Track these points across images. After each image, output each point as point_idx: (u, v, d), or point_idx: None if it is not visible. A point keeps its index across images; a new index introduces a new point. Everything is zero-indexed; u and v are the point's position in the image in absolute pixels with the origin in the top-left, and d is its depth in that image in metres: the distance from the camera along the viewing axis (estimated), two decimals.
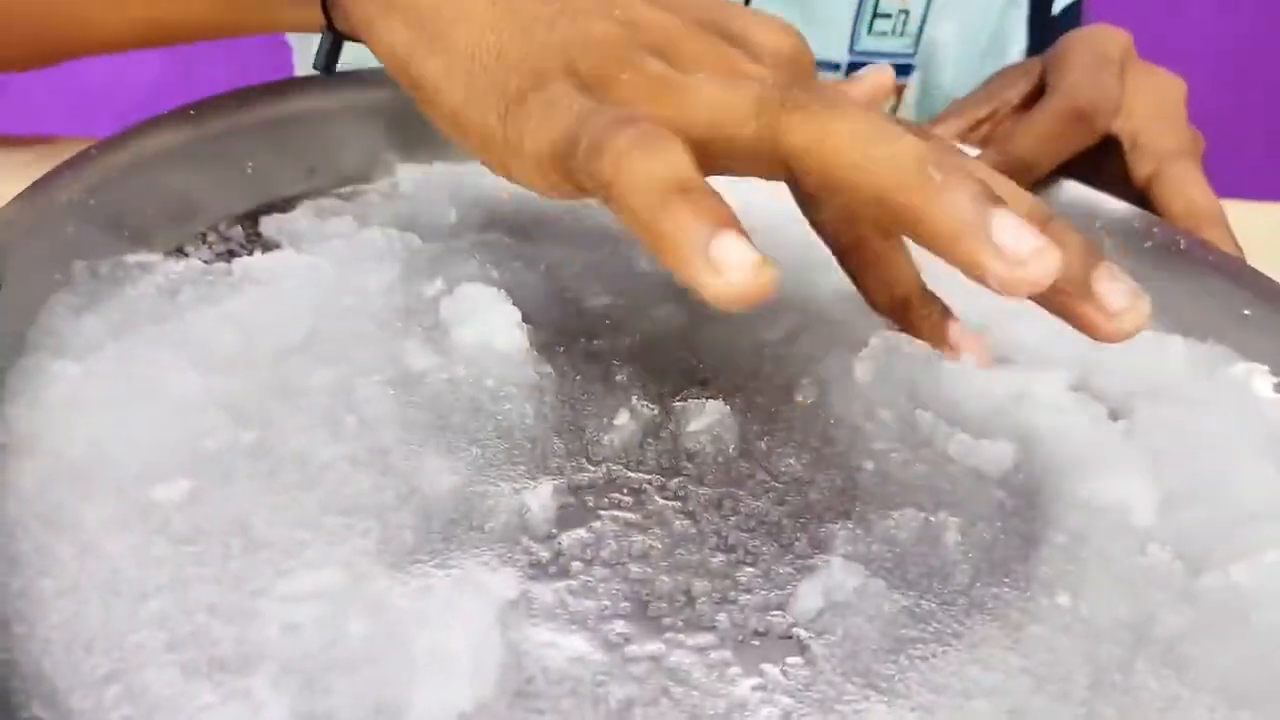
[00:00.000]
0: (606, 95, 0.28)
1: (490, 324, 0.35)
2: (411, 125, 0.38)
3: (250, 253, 0.37)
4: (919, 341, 0.38)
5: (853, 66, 0.62)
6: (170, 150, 0.38)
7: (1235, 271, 0.41)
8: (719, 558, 0.30)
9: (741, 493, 0.32)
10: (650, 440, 0.33)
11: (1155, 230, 0.43)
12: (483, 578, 0.27)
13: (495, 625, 0.26)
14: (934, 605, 0.29)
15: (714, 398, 0.34)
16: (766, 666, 0.27)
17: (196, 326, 0.33)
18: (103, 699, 0.23)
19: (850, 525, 0.31)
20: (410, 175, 0.42)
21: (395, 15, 0.31)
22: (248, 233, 0.39)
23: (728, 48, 0.30)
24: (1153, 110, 0.46)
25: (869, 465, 0.33)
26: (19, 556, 0.26)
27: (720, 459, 0.33)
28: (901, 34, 0.61)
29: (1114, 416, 0.36)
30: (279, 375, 0.32)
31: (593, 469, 0.32)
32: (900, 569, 0.30)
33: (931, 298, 0.36)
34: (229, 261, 0.37)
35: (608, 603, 0.28)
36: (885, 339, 0.38)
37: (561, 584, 0.28)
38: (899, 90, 0.64)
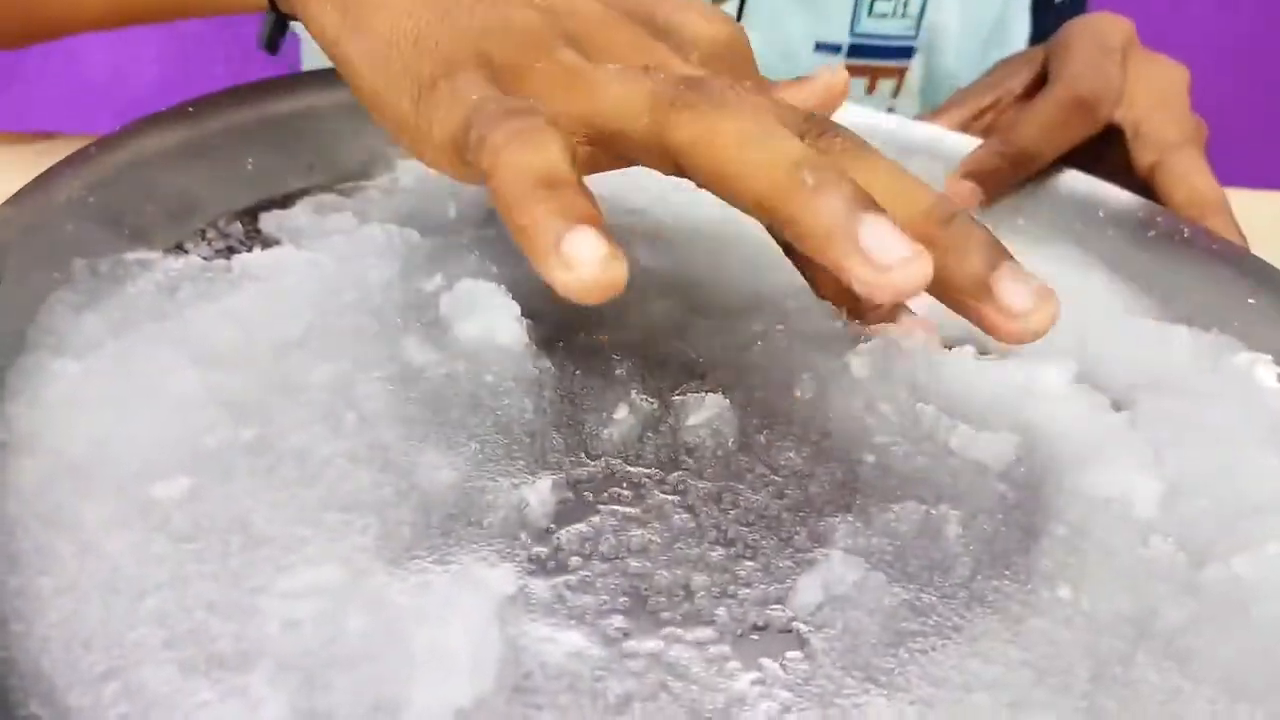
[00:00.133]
0: (517, 84, 0.28)
1: (490, 319, 0.35)
2: None
3: (250, 249, 0.37)
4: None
5: (854, 49, 0.62)
6: (170, 147, 0.38)
7: (1239, 260, 0.41)
8: (718, 552, 0.30)
9: (741, 486, 0.32)
10: (649, 434, 0.33)
11: (1159, 219, 0.43)
12: (481, 573, 0.27)
13: (494, 621, 0.26)
14: (934, 598, 0.29)
15: (713, 392, 0.34)
16: (765, 661, 0.27)
17: (196, 323, 0.33)
18: (101, 696, 0.23)
19: (850, 518, 0.31)
20: (410, 171, 0.42)
21: None
22: (247, 229, 0.39)
23: (650, 39, 0.30)
24: (1155, 99, 0.46)
25: (869, 458, 0.33)
26: (18, 554, 0.26)
27: (719, 453, 0.33)
28: (903, 16, 0.61)
29: (1116, 408, 0.36)
30: (278, 371, 0.32)
31: (592, 463, 0.32)
32: (900, 562, 0.30)
33: None
34: (228, 258, 0.37)
35: (606, 598, 0.28)
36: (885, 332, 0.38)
37: (560, 579, 0.28)
38: (900, 73, 0.63)
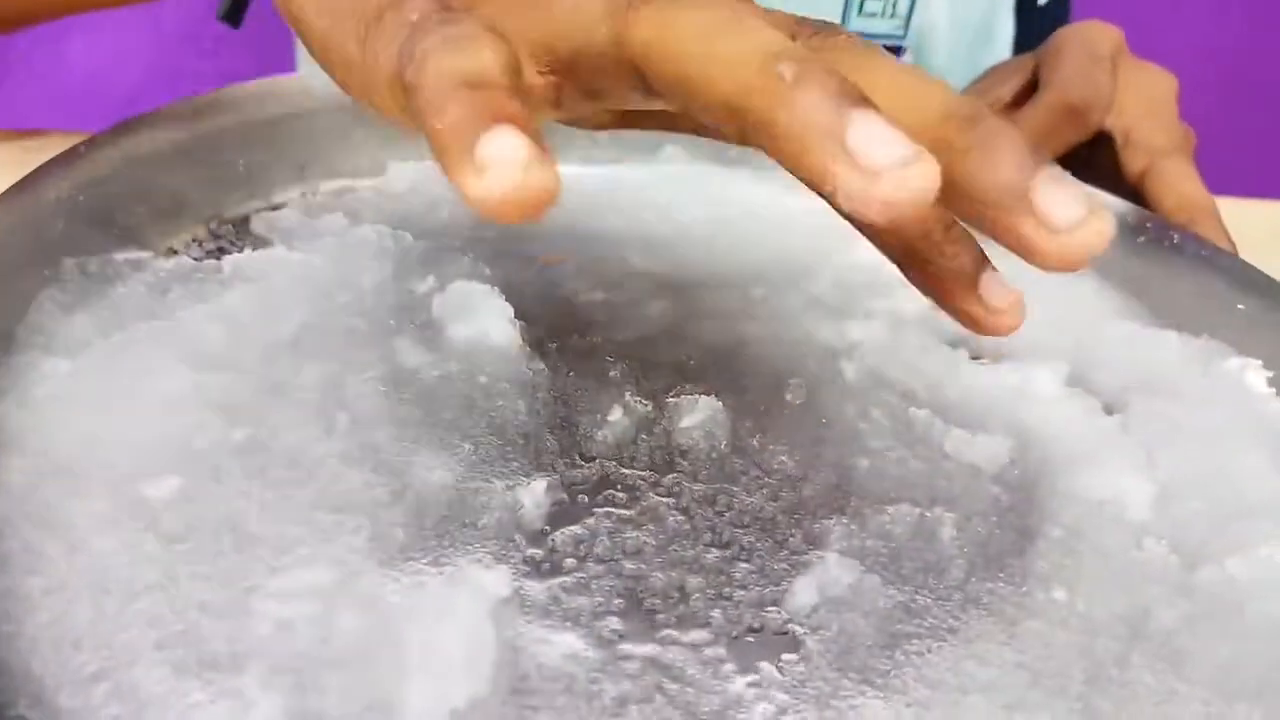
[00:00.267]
0: (470, 6, 0.24)
1: (483, 321, 0.34)
2: None
3: (241, 250, 0.37)
4: (911, 336, 0.38)
5: None
6: (161, 147, 0.38)
7: (1229, 266, 0.41)
8: (713, 554, 0.30)
9: (735, 489, 0.31)
10: (643, 436, 0.33)
11: (1148, 225, 0.43)
12: (476, 575, 0.27)
13: (488, 622, 0.26)
14: (929, 600, 0.29)
15: (707, 394, 0.34)
16: (761, 663, 0.27)
17: (187, 324, 0.33)
18: (91, 697, 0.23)
19: (845, 521, 0.31)
20: (402, 173, 0.42)
21: None
22: (238, 230, 0.39)
23: None
24: (1144, 106, 0.46)
25: (863, 461, 0.33)
26: (7, 555, 0.26)
27: (714, 455, 0.32)
28: (892, 15, 0.61)
29: (1109, 411, 0.36)
30: (270, 372, 0.32)
31: (586, 465, 0.32)
32: (895, 564, 0.30)
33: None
34: (219, 259, 0.37)
35: (601, 600, 0.28)
36: (878, 335, 0.38)
37: (555, 581, 0.28)
38: None
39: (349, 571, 0.26)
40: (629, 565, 0.29)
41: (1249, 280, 0.41)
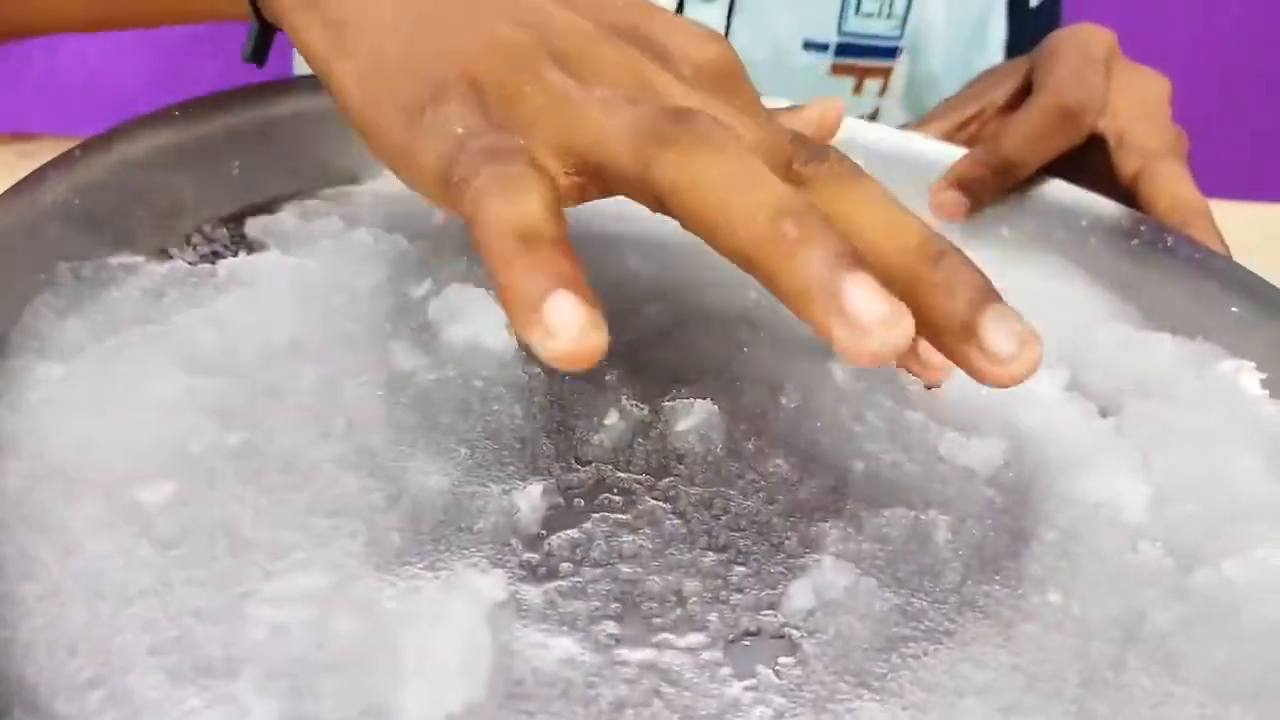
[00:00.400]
0: (505, 107, 0.27)
1: (479, 325, 0.34)
2: None
3: (235, 254, 0.37)
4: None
5: (841, 47, 0.62)
6: (155, 151, 0.38)
7: (1222, 269, 0.42)
8: (710, 557, 0.29)
9: (731, 492, 0.31)
10: (639, 440, 0.33)
11: (1142, 228, 0.43)
12: (472, 579, 0.27)
13: (484, 627, 0.26)
14: (925, 603, 0.29)
15: (702, 398, 0.34)
16: (758, 666, 0.27)
17: (181, 328, 0.33)
18: (86, 703, 0.23)
19: (841, 524, 0.31)
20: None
21: (313, 13, 0.31)
22: (233, 234, 0.39)
23: (639, 56, 0.29)
24: (1138, 109, 0.46)
25: (859, 464, 0.33)
26: (2, 560, 0.26)
27: (709, 459, 0.32)
28: (888, 16, 0.61)
29: (1103, 413, 0.36)
30: (265, 376, 0.32)
31: (582, 469, 0.32)
32: (891, 567, 0.30)
33: None
34: (214, 263, 0.36)
35: (598, 604, 0.28)
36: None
37: (551, 585, 0.28)
38: (886, 73, 0.64)
39: (344, 576, 0.26)
40: (625, 569, 0.29)
41: (1243, 283, 0.41)
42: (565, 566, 0.29)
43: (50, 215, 0.34)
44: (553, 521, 0.30)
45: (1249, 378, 0.38)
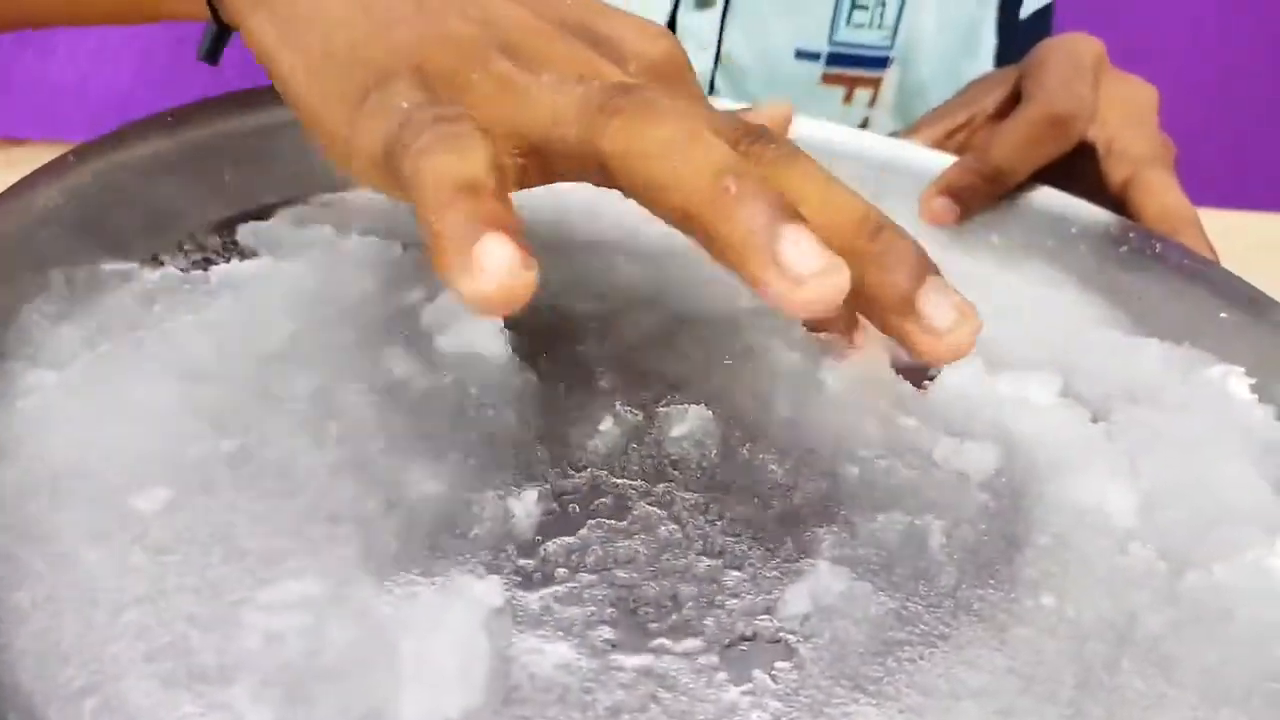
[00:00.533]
0: (452, 95, 0.27)
1: (472, 331, 0.34)
2: None
3: (228, 261, 0.37)
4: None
5: (832, 57, 0.62)
6: (147, 158, 0.38)
7: (1210, 275, 0.42)
8: (705, 563, 0.30)
9: (726, 498, 0.31)
10: (634, 446, 0.33)
11: (1130, 235, 0.43)
12: (468, 585, 0.27)
13: (481, 633, 0.26)
14: (920, 607, 0.29)
15: (696, 403, 0.34)
16: (755, 671, 0.27)
17: (174, 335, 0.33)
18: (81, 711, 0.23)
19: (836, 529, 0.31)
20: None
21: (262, 10, 0.31)
22: (225, 241, 0.39)
23: (587, 50, 0.29)
24: (1126, 117, 0.46)
25: (853, 470, 0.33)
26: None
27: (704, 464, 0.32)
28: (879, 26, 0.62)
29: (1094, 419, 0.36)
30: (259, 383, 0.32)
31: (577, 475, 0.32)
32: (886, 572, 0.30)
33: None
34: (206, 270, 0.36)
35: (594, 609, 0.28)
36: (868, 345, 0.39)
37: (547, 591, 0.28)
38: (876, 83, 0.64)
39: (340, 583, 0.26)
40: (621, 574, 0.29)
41: (1231, 289, 0.41)
42: (561, 572, 0.29)
43: (43, 221, 0.34)
44: (548, 528, 0.30)
45: (1237, 382, 0.38)
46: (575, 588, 0.28)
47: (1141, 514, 0.33)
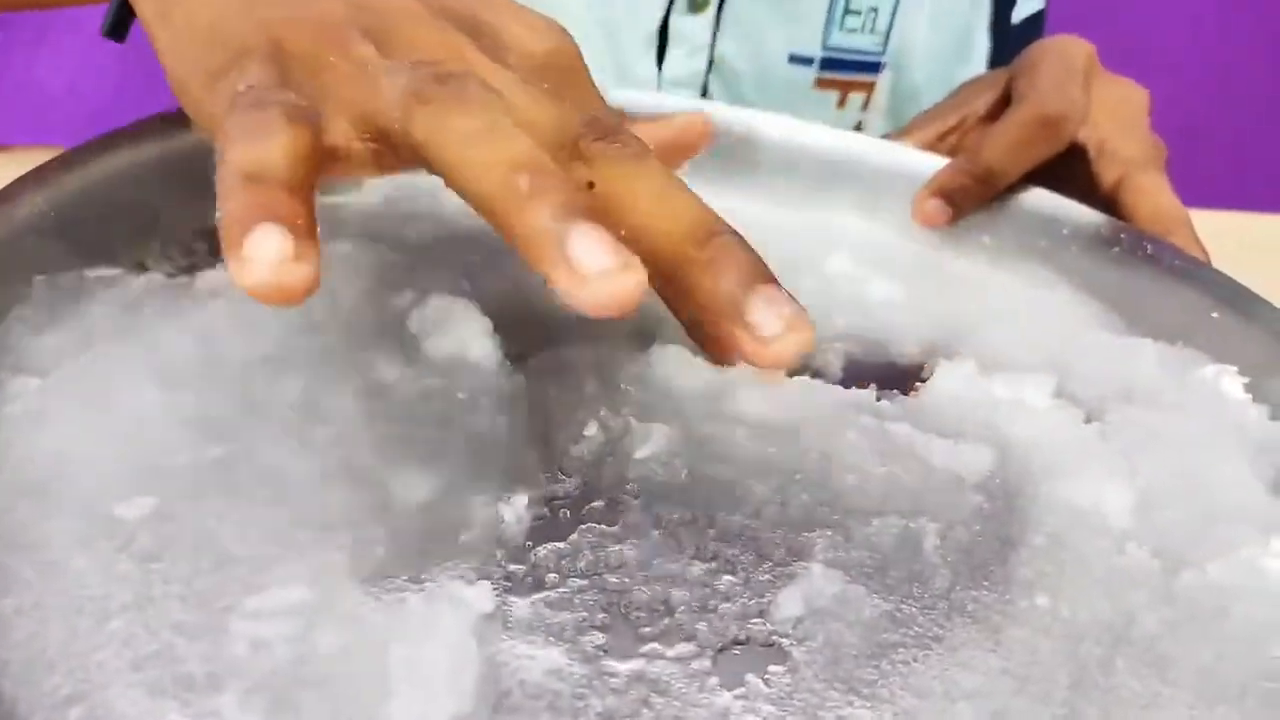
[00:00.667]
0: (308, 77, 0.27)
1: (461, 335, 0.34)
2: None
3: (214, 266, 0.37)
4: (890, 347, 0.38)
5: (825, 61, 0.62)
6: (132, 163, 0.38)
7: (1202, 275, 0.42)
8: (697, 567, 0.29)
9: (717, 505, 0.31)
10: (624, 451, 0.32)
11: (1122, 236, 0.43)
12: (458, 591, 0.27)
13: (471, 638, 0.26)
14: (914, 610, 0.29)
15: (684, 412, 0.33)
16: (748, 675, 0.27)
17: (160, 341, 0.33)
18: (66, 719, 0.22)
19: (829, 533, 0.31)
20: (377, 187, 0.42)
21: None
22: (210, 247, 0.38)
23: (459, 37, 0.29)
24: (1117, 119, 0.46)
25: (845, 472, 0.33)
26: None
27: (693, 471, 0.32)
28: (872, 31, 0.62)
29: (1088, 420, 0.36)
30: (246, 389, 0.32)
31: (567, 480, 0.31)
32: (880, 574, 0.30)
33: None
34: (192, 275, 0.36)
35: (585, 614, 0.27)
36: (854, 347, 0.39)
37: (538, 596, 0.28)
38: (869, 88, 0.64)
39: (328, 590, 0.26)
40: (612, 579, 0.28)
41: (1223, 289, 0.41)
42: (552, 577, 0.28)
43: (26, 228, 0.34)
44: (538, 533, 0.29)
45: (1231, 382, 0.38)
46: (566, 593, 0.28)
47: (1136, 514, 0.32)
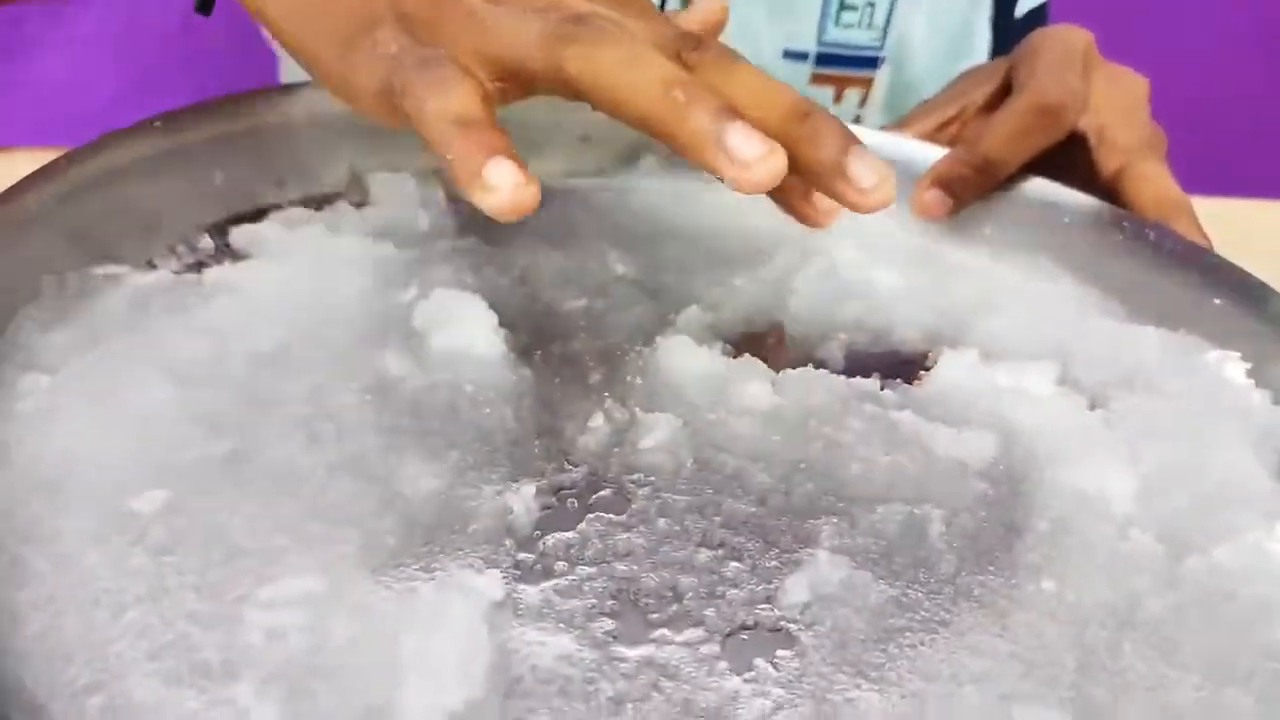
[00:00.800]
0: (429, 32, 0.31)
1: (466, 329, 0.34)
2: (381, 134, 0.38)
3: (220, 263, 0.37)
4: (894, 334, 0.38)
5: (821, 57, 0.62)
6: (139, 161, 0.38)
7: (1204, 262, 0.42)
8: (704, 554, 0.30)
9: (723, 494, 0.31)
10: (629, 441, 0.33)
11: (1124, 223, 0.43)
12: (468, 580, 0.27)
13: (482, 626, 0.26)
14: (921, 595, 0.29)
15: (689, 401, 0.34)
16: (757, 659, 0.27)
17: (168, 338, 0.33)
18: (85, 709, 0.23)
19: (835, 520, 0.31)
20: (382, 184, 0.42)
21: None
22: (217, 244, 0.39)
23: None
24: (1117, 107, 0.46)
25: (849, 460, 0.33)
26: None
27: (698, 461, 0.32)
28: (869, 26, 0.62)
29: (1092, 406, 0.36)
30: (254, 385, 0.32)
31: (574, 470, 0.32)
32: (886, 560, 0.30)
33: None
34: (199, 273, 0.36)
35: (594, 601, 0.28)
36: (858, 336, 0.39)
37: (548, 584, 0.28)
38: (867, 84, 0.64)
39: (340, 580, 0.26)
40: (621, 567, 0.29)
41: (1225, 275, 0.41)
42: (561, 565, 0.29)
43: (34, 227, 0.34)
44: (547, 522, 0.30)
45: (1234, 368, 0.38)
46: (575, 580, 0.28)
47: (1140, 499, 0.33)
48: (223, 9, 0.40)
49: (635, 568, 0.29)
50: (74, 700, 0.23)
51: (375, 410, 0.32)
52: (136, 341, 0.33)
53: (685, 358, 0.36)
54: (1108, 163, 0.45)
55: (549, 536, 0.29)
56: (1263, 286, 0.40)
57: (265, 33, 0.35)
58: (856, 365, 0.37)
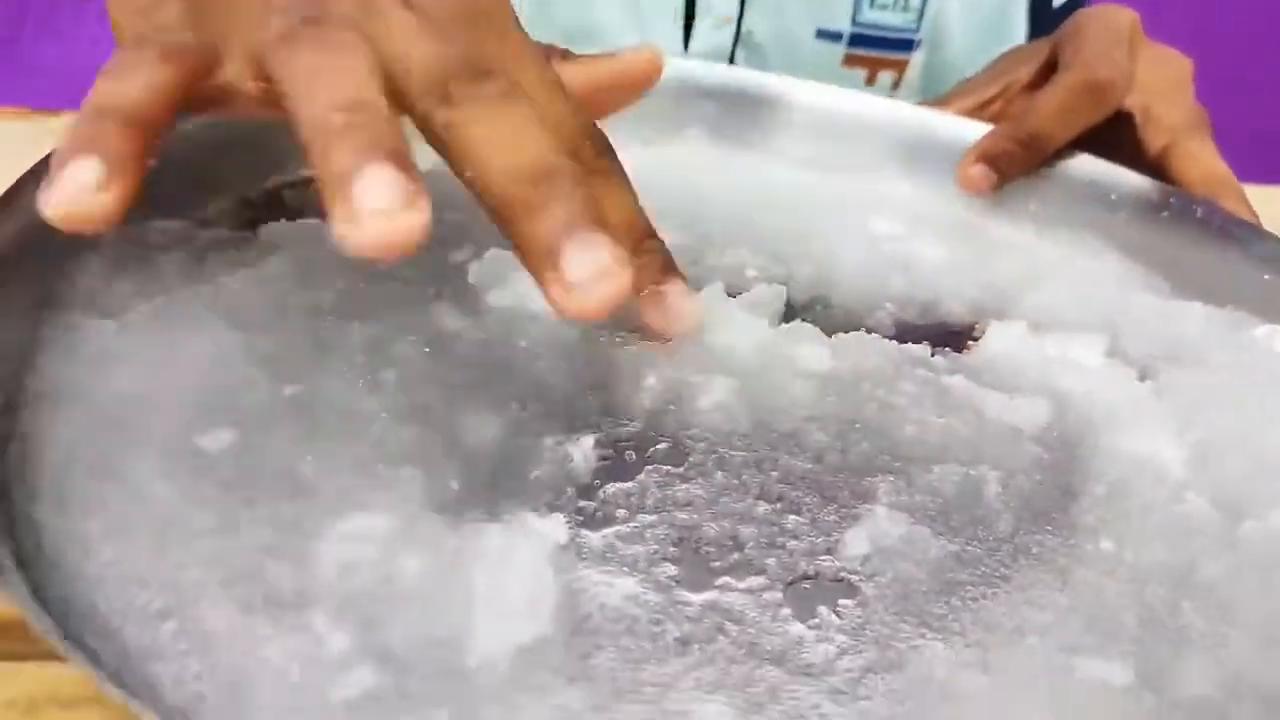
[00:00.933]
0: (216, 15, 0.27)
1: (519, 287, 0.35)
2: None
3: (277, 220, 0.37)
4: (941, 305, 0.38)
5: (855, 38, 0.62)
6: (192, 124, 0.38)
7: (1252, 239, 0.42)
8: (763, 506, 0.30)
9: (780, 450, 0.31)
10: (686, 399, 0.33)
11: (1172, 200, 0.43)
12: (532, 523, 0.27)
13: (548, 567, 0.26)
14: (980, 551, 0.29)
15: (741, 368, 0.34)
16: (820, 607, 0.27)
17: (227, 287, 0.33)
18: (159, 632, 0.23)
19: (891, 478, 0.31)
20: (428, 147, 0.42)
21: None
22: (270, 204, 0.39)
23: None
24: (1162, 86, 0.46)
25: (904, 424, 0.33)
26: (65, 499, 0.25)
27: (756, 417, 0.32)
28: (905, 9, 0.62)
29: (1141, 378, 0.36)
30: (314, 334, 0.32)
31: (631, 424, 0.32)
32: (944, 518, 0.30)
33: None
34: (254, 229, 0.37)
35: (656, 547, 0.28)
36: (907, 308, 0.39)
37: (610, 530, 0.28)
38: (900, 66, 0.64)
39: (407, 518, 0.26)
40: (681, 516, 0.29)
41: (1273, 251, 0.41)
42: (622, 513, 0.29)
43: None
44: (606, 472, 0.30)
45: None
46: (637, 527, 0.28)
47: (1193, 466, 0.33)
48: None
49: (695, 517, 0.29)
50: (147, 625, 0.23)
51: (433, 361, 0.32)
52: (197, 290, 0.33)
53: (736, 323, 0.36)
54: (1154, 141, 0.45)
55: (609, 485, 0.29)
56: None
57: None
58: (906, 335, 0.37)
